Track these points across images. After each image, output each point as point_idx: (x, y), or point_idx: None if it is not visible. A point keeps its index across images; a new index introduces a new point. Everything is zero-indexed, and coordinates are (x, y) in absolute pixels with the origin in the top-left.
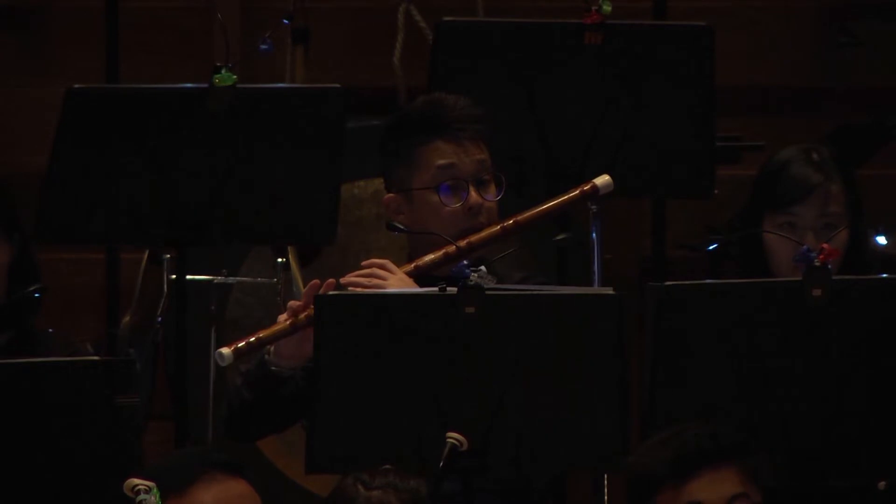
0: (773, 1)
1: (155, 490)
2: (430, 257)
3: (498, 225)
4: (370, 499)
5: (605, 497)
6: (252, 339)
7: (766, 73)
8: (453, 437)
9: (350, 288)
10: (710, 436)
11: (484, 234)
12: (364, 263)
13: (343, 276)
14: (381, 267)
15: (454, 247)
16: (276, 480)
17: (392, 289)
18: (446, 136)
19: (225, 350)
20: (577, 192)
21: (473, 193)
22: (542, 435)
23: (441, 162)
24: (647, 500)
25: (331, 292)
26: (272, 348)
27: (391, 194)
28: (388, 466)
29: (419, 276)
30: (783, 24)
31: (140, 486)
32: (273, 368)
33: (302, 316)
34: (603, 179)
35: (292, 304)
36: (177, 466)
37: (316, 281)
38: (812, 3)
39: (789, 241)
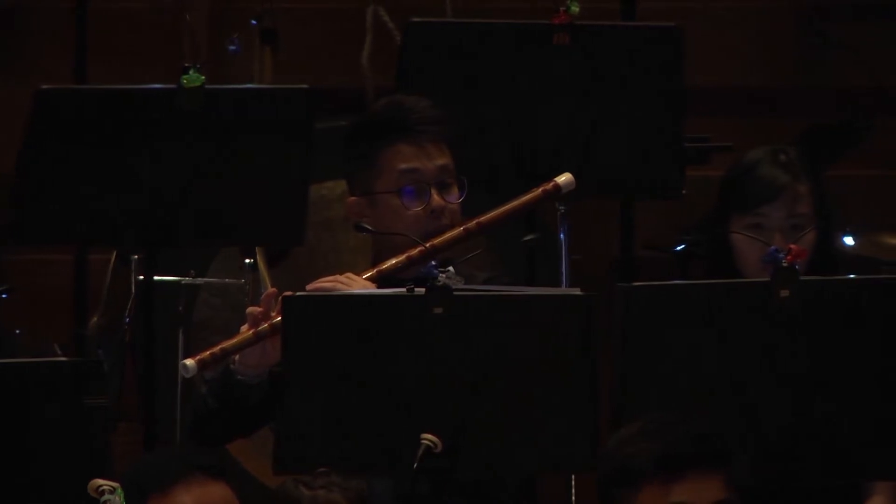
0: (743, 2)
1: (119, 490)
2: (392, 262)
3: (461, 227)
4: (315, 498)
5: (573, 496)
6: (216, 349)
7: (735, 74)
8: (428, 438)
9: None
10: (699, 438)
11: (447, 236)
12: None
13: (311, 276)
14: (346, 277)
15: (417, 250)
16: (243, 481)
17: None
18: (408, 140)
19: (189, 362)
20: (540, 191)
21: (436, 196)
22: (512, 436)
23: (403, 166)
24: (627, 492)
25: (298, 293)
26: (237, 357)
27: (354, 197)
28: (323, 469)
29: (383, 281)
30: (753, 25)
31: (104, 487)
32: (239, 377)
33: (266, 325)
34: (565, 178)
35: (251, 310)
36: (158, 467)
37: (273, 289)
38: (782, 3)
39: (757, 241)
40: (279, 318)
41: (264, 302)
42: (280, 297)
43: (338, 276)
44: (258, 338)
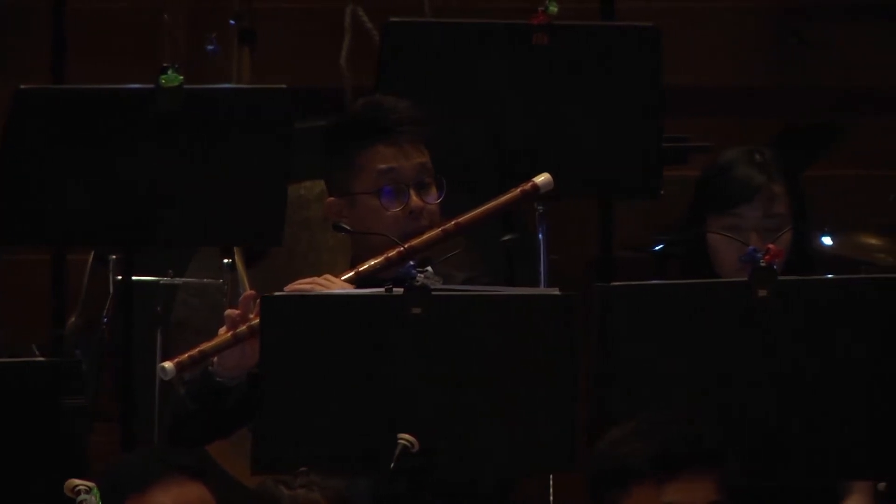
0: (722, 2)
1: (95, 490)
2: (370, 263)
3: (439, 228)
4: (295, 497)
5: (551, 497)
6: (194, 352)
7: (714, 74)
8: (405, 438)
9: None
10: (694, 438)
11: (426, 236)
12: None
13: (289, 276)
14: (324, 279)
15: (395, 251)
16: (221, 481)
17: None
18: (386, 140)
19: (167, 364)
20: (518, 191)
21: (414, 197)
22: (490, 436)
23: (382, 166)
24: (620, 491)
25: (277, 293)
26: (216, 359)
27: (333, 198)
28: (303, 469)
29: (361, 282)
30: (731, 25)
31: (80, 487)
32: (217, 379)
33: (244, 327)
34: (543, 178)
35: (229, 312)
36: (136, 466)
37: (251, 292)
38: (760, 4)
39: (733, 241)
40: (257, 320)
41: (242, 304)
42: (258, 299)
43: (316, 278)
44: (236, 340)
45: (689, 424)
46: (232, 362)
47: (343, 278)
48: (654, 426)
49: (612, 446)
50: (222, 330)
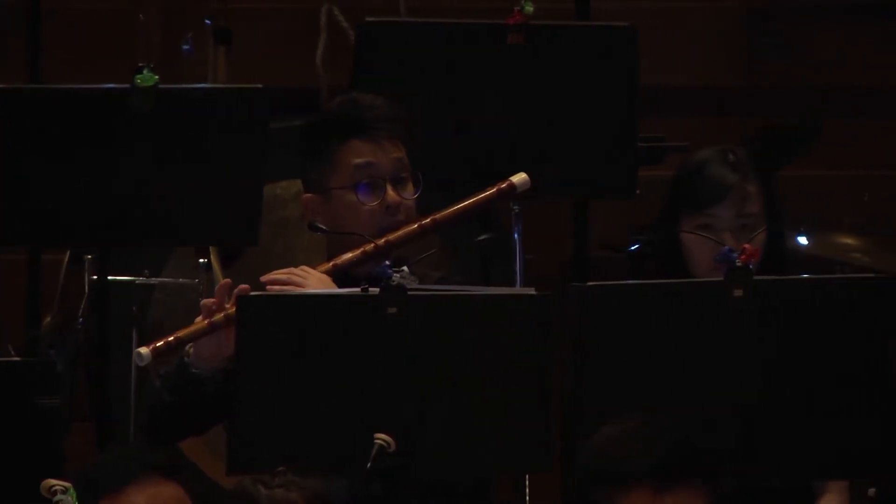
0: (698, 2)
1: (71, 490)
2: (348, 255)
3: (416, 223)
4: (273, 497)
5: (527, 497)
6: (171, 338)
7: (690, 74)
8: (381, 437)
9: (269, 287)
10: (695, 452)
11: (402, 232)
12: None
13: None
14: (302, 270)
15: (372, 244)
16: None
17: (312, 287)
18: (363, 136)
19: (143, 350)
20: (495, 190)
21: (391, 192)
22: (466, 436)
23: (358, 161)
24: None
25: (252, 293)
26: (191, 350)
27: (309, 194)
28: (282, 468)
29: (338, 276)
30: (707, 25)
31: (56, 487)
32: (193, 370)
33: (220, 315)
34: (520, 177)
35: (205, 302)
36: (111, 466)
37: (227, 280)
38: (734, 4)
39: (707, 241)
40: (234, 309)
41: (218, 293)
42: (235, 291)
43: (293, 269)
44: (213, 328)
45: (690, 433)
46: (208, 352)
47: (320, 271)
48: (656, 431)
49: (611, 445)
50: (198, 319)
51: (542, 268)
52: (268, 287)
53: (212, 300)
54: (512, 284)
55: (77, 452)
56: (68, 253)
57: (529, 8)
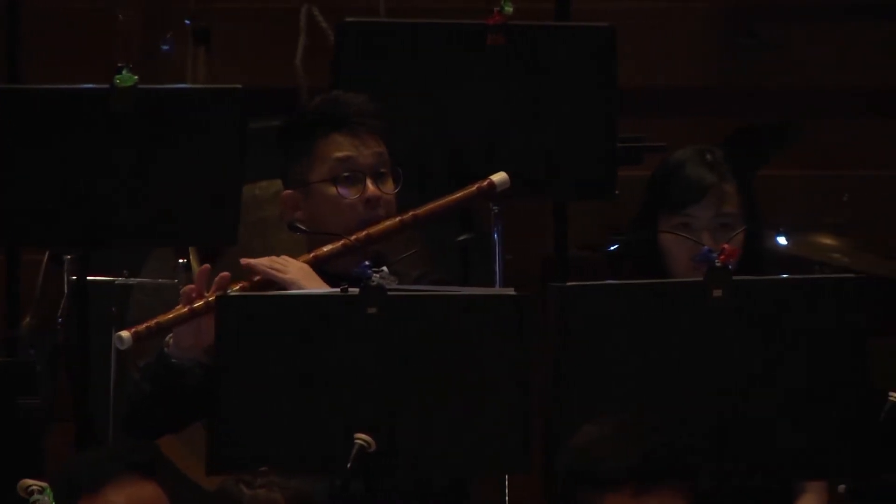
0: (677, 2)
1: (48, 490)
2: (329, 247)
3: (397, 218)
4: (256, 497)
5: (506, 497)
6: (151, 323)
7: (669, 74)
8: (361, 438)
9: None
10: (675, 453)
11: (382, 226)
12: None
13: (244, 276)
14: (283, 260)
15: (353, 236)
16: (177, 482)
17: (292, 276)
18: (344, 130)
19: (124, 333)
20: (475, 188)
21: (371, 185)
22: (446, 437)
23: (339, 154)
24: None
25: (231, 291)
26: (170, 340)
27: (289, 191)
28: (265, 468)
29: (319, 269)
30: (686, 25)
31: (33, 487)
32: (173, 360)
33: (200, 303)
34: (500, 176)
35: (186, 289)
36: (89, 466)
37: (207, 266)
38: (715, 4)
39: (685, 241)
40: (214, 296)
41: (198, 279)
42: (216, 278)
43: (273, 258)
44: (193, 314)
45: (669, 435)
46: (188, 341)
47: (301, 261)
48: (636, 432)
49: (591, 447)
50: (178, 306)
51: (522, 268)
52: (248, 278)
53: (191, 287)
54: (491, 284)
55: (57, 452)
56: (47, 253)
57: (509, 8)
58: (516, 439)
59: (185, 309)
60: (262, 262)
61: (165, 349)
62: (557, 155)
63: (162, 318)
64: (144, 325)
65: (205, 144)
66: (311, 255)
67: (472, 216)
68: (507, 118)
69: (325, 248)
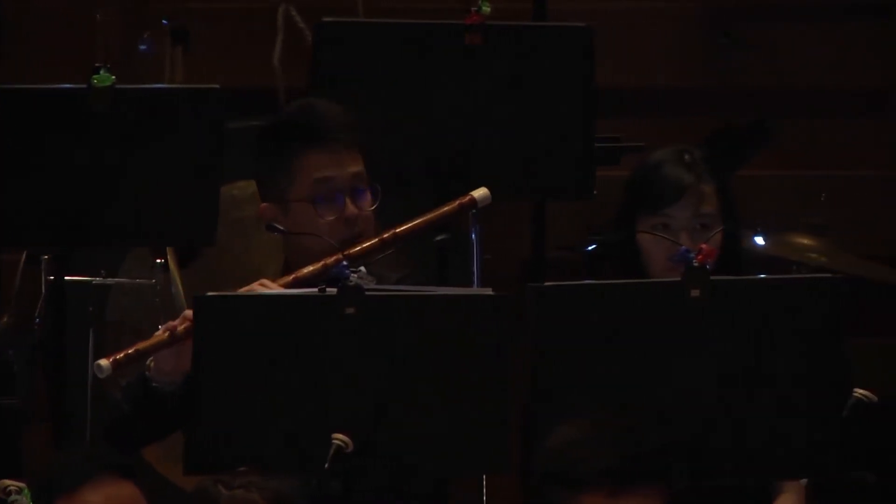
0: (655, 3)
1: (26, 491)
2: (309, 269)
3: (377, 238)
4: (234, 497)
5: (484, 498)
6: (131, 350)
7: (647, 75)
8: (339, 438)
9: None
10: (649, 455)
11: (362, 246)
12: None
13: (222, 277)
14: (260, 284)
15: (333, 259)
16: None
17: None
18: (321, 147)
19: (104, 362)
20: (456, 204)
21: (350, 205)
22: (424, 437)
23: (317, 175)
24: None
25: (210, 293)
26: (152, 364)
27: (266, 203)
28: (242, 468)
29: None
30: (664, 25)
31: (11, 487)
32: (154, 384)
33: (181, 328)
34: (481, 192)
35: (168, 324)
36: (67, 466)
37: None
38: (693, 5)
39: (663, 242)
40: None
41: (182, 317)
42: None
43: (253, 286)
44: (173, 339)
45: (644, 435)
46: (169, 366)
47: (281, 283)
48: (610, 433)
49: (566, 448)
50: (159, 332)
51: (500, 268)
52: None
53: (174, 322)
54: (469, 285)
55: (34, 452)
56: (25, 253)
57: (486, 8)
58: (495, 439)
59: (166, 334)
60: (242, 290)
61: (147, 372)
62: (535, 155)
63: (142, 345)
64: (124, 353)
65: (183, 144)
66: (292, 277)
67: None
68: (485, 118)
69: (305, 270)
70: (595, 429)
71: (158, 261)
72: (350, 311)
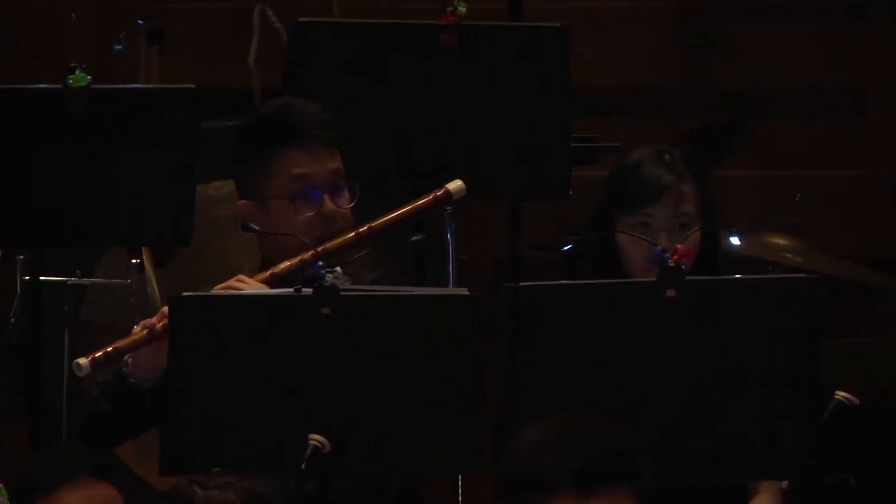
0: (630, 3)
1: (3, 491)
2: (285, 265)
3: (352, 232)
4: (209, 497)
5: (460, 497)
6: (109, 349)
7: (623, 75)
8: (316, 438)
9: None
10: (618, 455)
11: (338, 241)
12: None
13: (198, 276)
14: (237, 280)
15: (309, 254)
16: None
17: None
18: (299, 145)
19: (82, 361)
20: (431, 197)
21: (328, 202)
22: (400, 437)
23: (296, 171)
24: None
25: (185, 293)
26: (129, 360)
27: (244, 201)
28: (217, 469)
29: (275, 284)
30: (640, 25)
31: None
32: (131, 381)
33: (159, 325)
34: (456, 185)
35: (146, 321)
36: (45, 467)
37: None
38: (668, 5)
39: (642, 241)
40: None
41: (160, 314)
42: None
43: (230, 282)
44: (152, 337)
45: (612, 435)
46: (147, 363)
47: (258, 279)
48: (578, 435)
49: (533, 451)
50: (136, 329)
51: (476, 268)
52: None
53: (152, 320)
54: (445, 285)
55: (11, 453)
56: (0, 253)
57: (462, 8)
58: (470, 439)
59: (144, 332)
60: (220, 287)
61: (124, 369)
62: (511, 155)
63: (120, 343)
64: (102, 352)
65: (158, 144)
66: (269, 272)
67: (424, 217)
68: (461, 118)
69: (282, 266)
70: (564, 430)
71: (134, 261)
72: (326, 311)
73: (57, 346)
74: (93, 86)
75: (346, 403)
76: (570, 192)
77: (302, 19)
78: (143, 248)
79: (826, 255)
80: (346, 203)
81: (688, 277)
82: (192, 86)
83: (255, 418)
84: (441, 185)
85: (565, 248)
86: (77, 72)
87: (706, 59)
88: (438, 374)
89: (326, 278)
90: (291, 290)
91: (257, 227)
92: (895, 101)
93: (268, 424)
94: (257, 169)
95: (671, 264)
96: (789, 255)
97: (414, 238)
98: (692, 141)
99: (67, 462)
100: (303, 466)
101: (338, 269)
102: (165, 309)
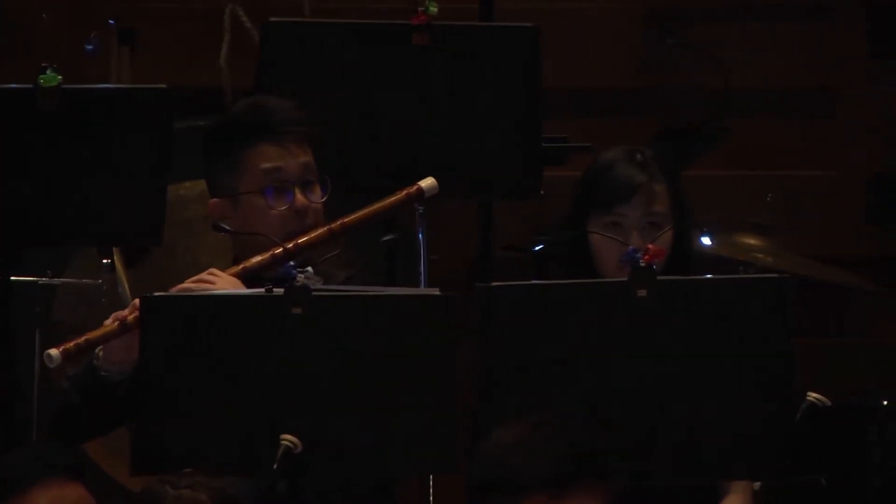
0: (600, 2)
1: None
2: (257, 259)
3: (325, 227)
4: (180, 497)
5: (431, 497)
6: (80, 340)
7: (593, 74)
8: (287, 439)
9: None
10: (585, 456)
11: (311, 236)
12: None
13: (169, 276)
14: (210, 273)
15: (281, 248)
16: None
17: (222, 289)
18: (271, 139)
19: (53, 351)
20: (403, 194)
21: (299, 196)
22: (371, 437)
23: (266, 165)
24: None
25: (156, 293)
26: (101, 353)
27: (216, 199)
28: (189, 469)
29: (247, 278)
30: (610, 25)
31: None
32: (102, 373)
33: (131, 317)
34: (428, 182)
35: (117, 314)
36: (16, 468)
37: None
38: (639, 5)
39: (614, 241)
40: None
41: (132, 306)
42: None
43: (202, 275)
44: (123, 329)
45: (580, 437)
46: (118, 356)
47: (229, 274)
48: (546, 437)
49: (502, 454)
50: (108, 321)
51: (447, 268)
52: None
53: (124, 312)
54: (417, 285)
55: None
56: None
57: (433, 8)
58: (443, 439)
59: (116, 324)
60: (191, 286)
61: (95, 361)
62: (482, 155)
63: (91, 335)
64: (73, 343)
65: (130, 144)
66: (241, 266)
67: (396, 216)
68: (432, 118)
69: (254, 260)
70: (532, 432)
71: (105, 261)
72: (297, 311)
73: (28, 347)
74: (64, 86)
75: (318, 403)
76: (542, 193)
77: (273, 19)
78: (114, 249)
79: (797, 255)
80: (317, 198)
81: (659, 277)
82: (164, 86)
83: (226, 419)
84: (413, 183)
85: (537, 248)
86: (48, 72)
87: (677, 59)
88: (410, 373)
89: (298, 278)
90: (262, 290)
91: (228, 227)
92: (867, 100)
93: (239, 425)
94: (228, 165)
95: (642, 264)
96: (760, 255)
97: (385, 238)
98: (664, 140)
99: (38, 462)
100: (274, 466)
101: (309, 268)
102: (137, 301)
